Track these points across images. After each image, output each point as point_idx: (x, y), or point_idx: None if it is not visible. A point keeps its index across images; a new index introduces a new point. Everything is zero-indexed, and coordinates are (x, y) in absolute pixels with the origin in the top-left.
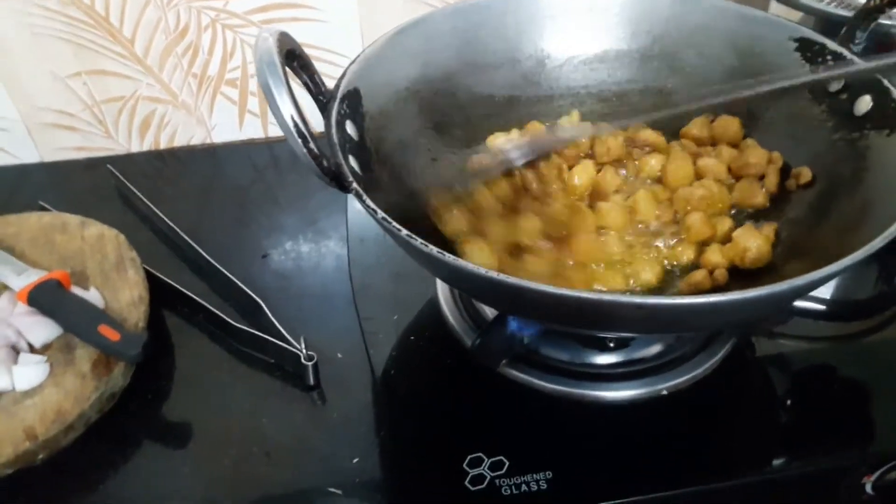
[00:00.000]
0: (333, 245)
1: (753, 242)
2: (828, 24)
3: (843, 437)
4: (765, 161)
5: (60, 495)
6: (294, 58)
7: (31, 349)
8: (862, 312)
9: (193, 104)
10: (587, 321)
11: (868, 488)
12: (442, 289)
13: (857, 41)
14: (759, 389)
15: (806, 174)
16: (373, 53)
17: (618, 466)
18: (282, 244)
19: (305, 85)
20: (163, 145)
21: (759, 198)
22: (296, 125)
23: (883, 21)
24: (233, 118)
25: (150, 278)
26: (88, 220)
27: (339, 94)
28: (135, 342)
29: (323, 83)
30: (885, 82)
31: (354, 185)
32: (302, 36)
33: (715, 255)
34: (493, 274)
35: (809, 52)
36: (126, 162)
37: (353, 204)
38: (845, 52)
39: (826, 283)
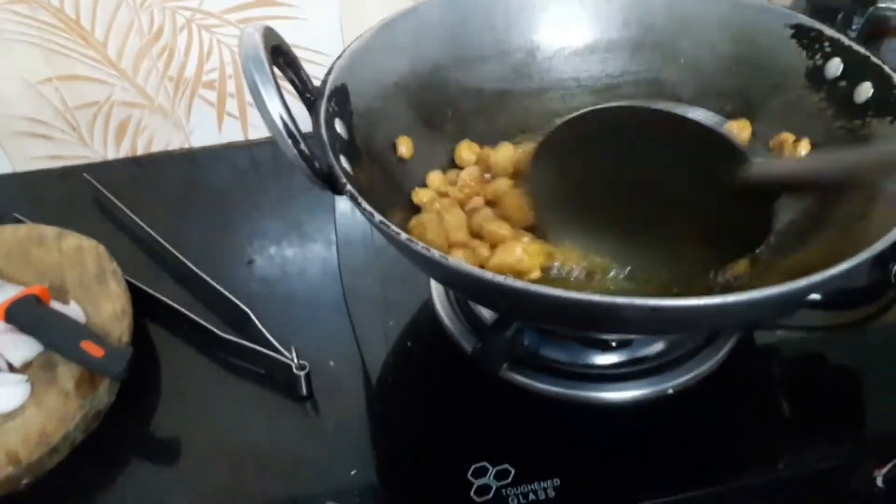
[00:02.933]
0: (320, 248)
1: None
2: (820, 9)
3: (852, 430)
4: None
5: None
6: (280, 54)
7: (11, 368)
8: (859, 300)
9: (170, 108)
10: (595, 324)
11: (879, 481)
12: (437, 291)
13: (853, 26)
14: (765, 384)
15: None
16: (359, 48)
17: (627, 470)
18: (267, 249)
19: (291, 82)
20: (140, 151)
21: None
22: (285, 125)
23: (880, 4)
24: (211, 121)
25: (132, 290)
26: (66, 231)
27: (327, 91)
28: (120, 358)
29: (310, 80)
30: (886, 69)
31: (349, 186)
32: (282, 34)
33: None
34: (500, 278)
35: (805, 38)
36: (103, 170)
37: (341, 205)
38: (843, 37)
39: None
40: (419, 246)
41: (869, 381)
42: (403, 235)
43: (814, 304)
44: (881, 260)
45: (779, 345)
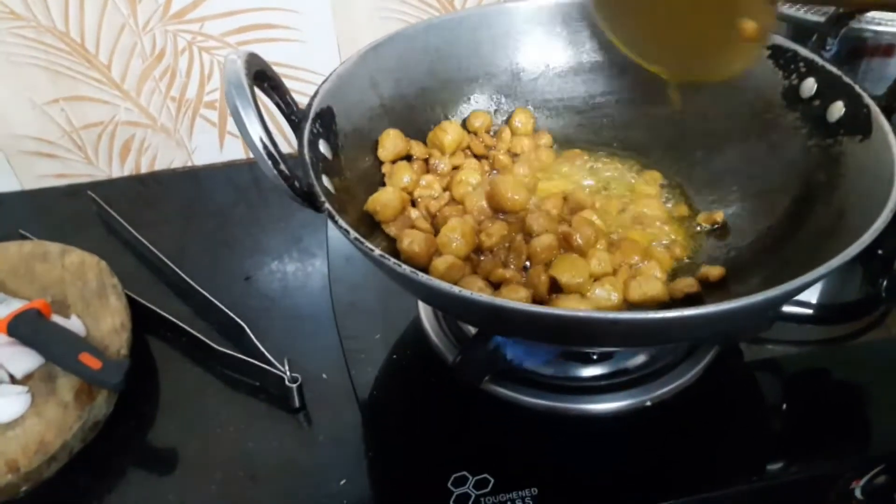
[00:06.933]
0: (318, 264)
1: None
2: (800, 30)
3: (831, 442)
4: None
5: None
6: (264, 78)
7: (12, 380)
8: (848, 315)
9: (173, 127)
10: (564, 337)
11: (857, 493)
12: (423, 306)
13: (828, 47)
14: (746, 396)
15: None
16: (345, 71)
17: (605, 480)
18: (265, 265)
19: (277, 105)
20: (143, 169)
21: None
22: (265, 146)
23: (854, 25)
24: (213, 140)
25: (133, 304)
26: (69, 247)
27: (312, 114)
28: (117, 370)
29: (295, 103)
30: (857, 88)
31: (326, 205)
32: (280, 57)
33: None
34: (467, 293)
35: (782, 58)
36: (107, 187)
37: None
38: (817, 58)
39: (805, 291)
40: (391, 262)
41: (853, 394)
42: (377, 251)
43: (804, 318)
44: (871, 275)
45: (765, 359)
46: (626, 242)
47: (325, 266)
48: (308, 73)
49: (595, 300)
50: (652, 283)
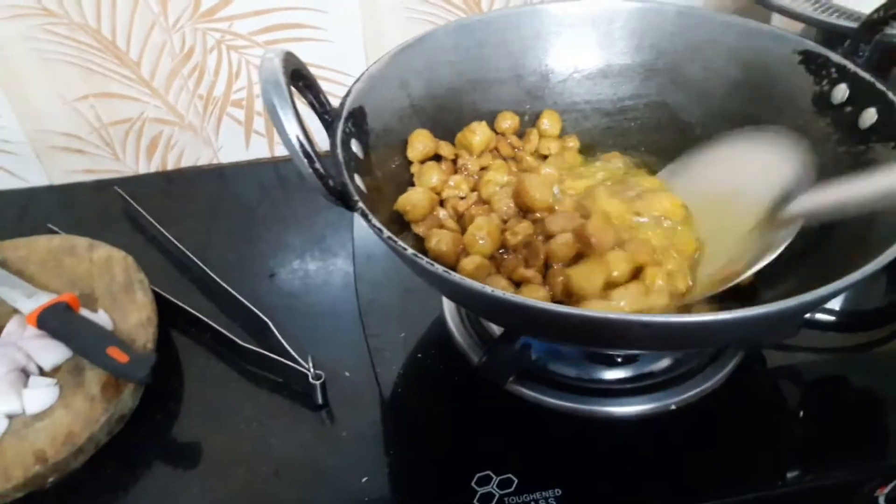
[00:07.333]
0: (341, 263)
1: None
2: (830, 36)
3: (856, 449)
4: None
5: None
6: (299, 77)
7: (41, 372)
8: (872, 322)
9: (200, 125)
10: (593, 339)
11: (881, 501)
12: (448, 305)
13: (860, 53)
14: (769, 402)
15: None
16: (377, 71)
17: (628, 482)
18: (289, 263)
19: (311, 104)
20: (170, 166)
21: None
22: (301, 145)
23: (888, 31)
24: (239, 138)
25: (159, 299)
26: (97, 242)
27: (344, 113)
28: (143, 364)
29: (328, 102)
30: (890, 95)
31: (360, 204)
32: (307, 56)
33: None
34: (500, 293)
35: (813, 64)
36: (134, 183)
37: (359, 221)
38: (849, 64)
39: (835, 298)
40: (424, 261)
41: (876, 402)
42: (409, 251)
43: (828, 325)
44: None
45: (788, 365)
46: (650, 244)
47: (348, 264)
48: (334, 72)
49: (618, 302)
50: (677, 284)
